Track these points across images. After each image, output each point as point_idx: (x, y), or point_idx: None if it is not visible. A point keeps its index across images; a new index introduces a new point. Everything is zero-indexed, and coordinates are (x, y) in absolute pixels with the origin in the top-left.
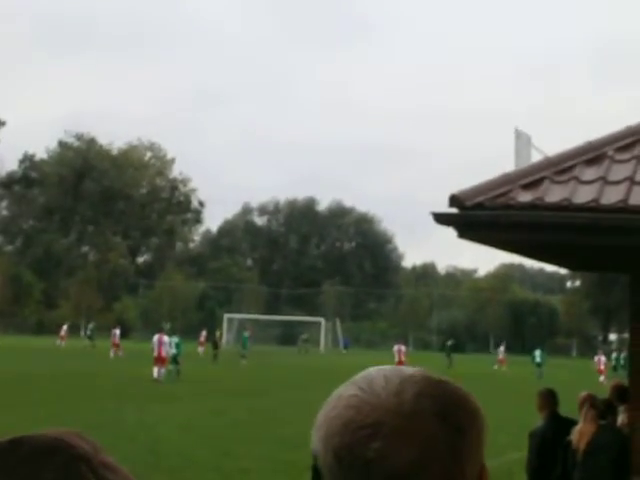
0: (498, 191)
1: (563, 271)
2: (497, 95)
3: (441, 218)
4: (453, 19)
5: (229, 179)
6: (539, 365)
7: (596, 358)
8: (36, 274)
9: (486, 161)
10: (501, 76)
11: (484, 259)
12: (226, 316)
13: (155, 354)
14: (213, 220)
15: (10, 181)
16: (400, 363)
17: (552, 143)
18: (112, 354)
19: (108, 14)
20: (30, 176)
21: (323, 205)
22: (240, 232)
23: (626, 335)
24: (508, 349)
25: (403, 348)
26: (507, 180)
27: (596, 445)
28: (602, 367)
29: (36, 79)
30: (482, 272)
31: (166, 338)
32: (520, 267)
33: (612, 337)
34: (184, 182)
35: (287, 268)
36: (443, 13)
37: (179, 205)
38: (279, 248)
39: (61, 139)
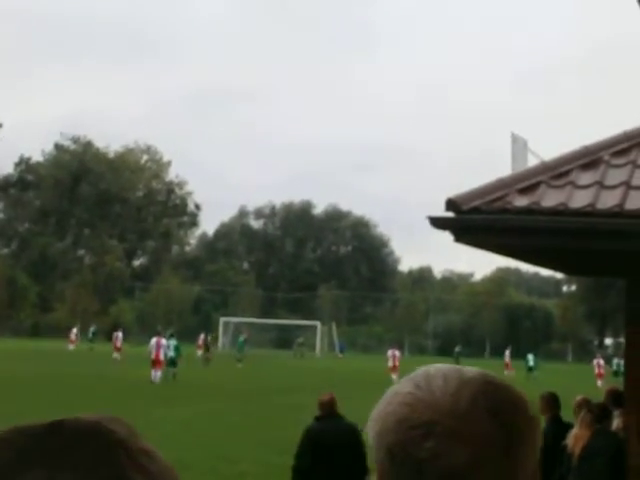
0: (494, 195)
1: (559, 275)
2: (495, 98)
3: (437, 222)
4: (453, 19)
5: (225, 182)
6: (531, 369)
7: (595, 362)
8: (32, 277)
9: (483, 162)
10: (501, 80)
11: (480, 263)
12: (222, 319)
13: (153, 357)
14: (209, 223)
15: (6, 184)
16: (394, 368)
17: (548, 147)
18: (118, 357)
19: (105, 15)
20: (26, 179)
21: (319, 209)
22: (236, 235)
23: (621, 340)
24: (503, 353)
25: (397, 353)
26: (503, 184)
27: (591, 449)
28: (601, 371)
29: (33, 82)
30: (478, 276)
31: (164, 341)
32: (516, 271)
33: (607, 342)
34: (180, 185)
35: (283, 272)
36: (442, 13)
37: (175, 208)
38: (275, 252)
39: (57, 142)
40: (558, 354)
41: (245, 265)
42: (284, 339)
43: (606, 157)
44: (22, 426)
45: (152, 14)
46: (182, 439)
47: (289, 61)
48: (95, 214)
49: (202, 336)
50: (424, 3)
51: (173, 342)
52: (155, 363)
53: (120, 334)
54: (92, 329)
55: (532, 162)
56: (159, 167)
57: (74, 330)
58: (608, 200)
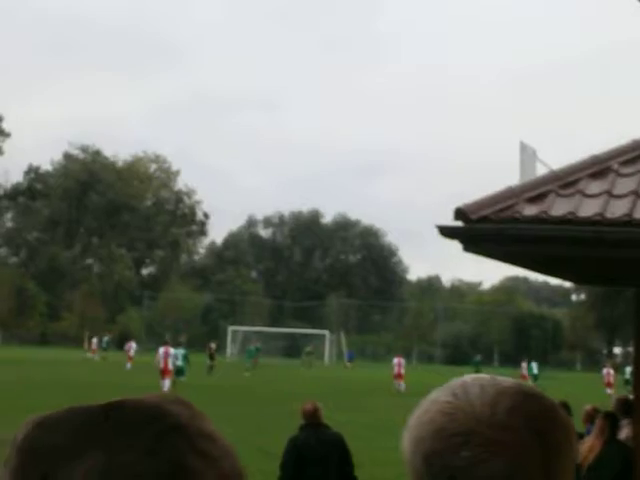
0: (503, 204)
1: (568, 284)
2: (502, 104)
3: (446, 231)
4: (453, 20)
5: (233, 189)
6: (535, 377)
7: (604, 371)
8: (40, 286)
9: (492, 169)
10: (502, 84)
11: (489, 272)
12: (230, 328)
13: (161, 366)
14: (218, 232)
15: (15, 193)
16: (399, 375)
17: (557, 156)
18: (130, 366)
19: (116, 25)
20: (35, 188)
21: (328, 217)
22: (245, 244)
23: (630, 349)
24: (511, 362)
25: (402, 361)
26: (512, 193)
27: (601, 459)
28: (610, 380)
29: (41, 90)
30: (487, 285)
31: (172, 350)
32: (525, 280)
33: (617, 351)
34: (189, 194)
35: (292, 280)
36: (443, 14)
37: (184, 217)
38: (284, 260)
39: (66, 151)
40: (567, 363)
41: (254, 274)
42: (293, 348)
43: (615, 166)
44: (78, 406)
45: (160, 21)
46: None
47: (297, 67)
48: (104, 223)
49: (212, 345)
50: (425, 3)
51: (181, 351)
52: (164, 372)
53: (134, 344)
54: (106, 339)
55: (541, 171)
56: (168, 176)
57: (94, 340)
58: (617, 209)
